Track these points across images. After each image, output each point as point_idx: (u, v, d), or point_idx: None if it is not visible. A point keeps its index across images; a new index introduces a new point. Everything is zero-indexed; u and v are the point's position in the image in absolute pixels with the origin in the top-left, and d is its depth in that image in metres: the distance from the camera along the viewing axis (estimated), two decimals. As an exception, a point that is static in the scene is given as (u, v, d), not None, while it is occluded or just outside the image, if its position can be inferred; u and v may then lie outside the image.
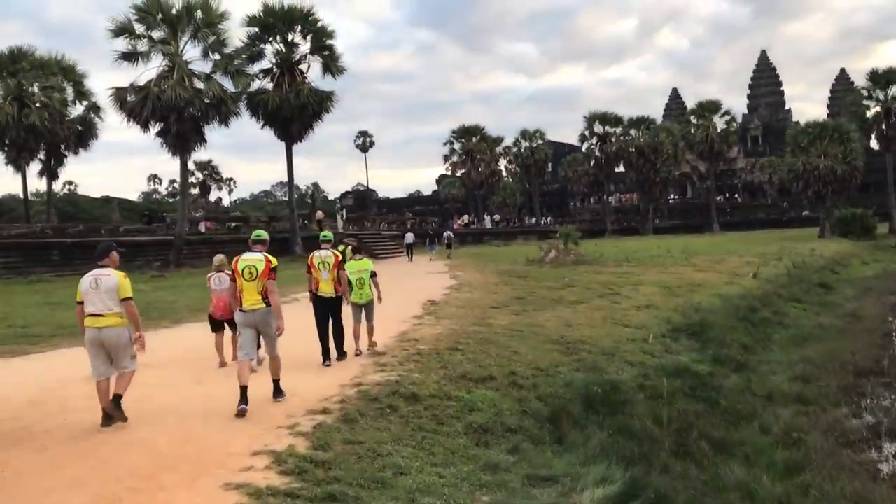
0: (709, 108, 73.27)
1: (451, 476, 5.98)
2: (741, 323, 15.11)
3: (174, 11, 31.24)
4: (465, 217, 72.61)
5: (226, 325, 10.09)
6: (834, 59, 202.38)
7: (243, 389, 7.42)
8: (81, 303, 7.07)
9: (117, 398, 6.98)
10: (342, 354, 10.02)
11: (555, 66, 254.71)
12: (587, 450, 6.80)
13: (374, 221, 47.71)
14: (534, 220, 77.66)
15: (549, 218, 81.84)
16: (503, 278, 22.40)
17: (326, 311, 9.91)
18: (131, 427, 6.85)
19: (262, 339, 8.02)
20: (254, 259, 7.77)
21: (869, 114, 57.35)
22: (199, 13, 31.53)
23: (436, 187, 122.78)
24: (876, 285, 26.51)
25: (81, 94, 41.74)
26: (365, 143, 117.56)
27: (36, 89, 38.86)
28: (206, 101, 31.85)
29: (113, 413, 6.93)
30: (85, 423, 7.06)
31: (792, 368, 11.47)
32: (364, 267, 10.66)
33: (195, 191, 76.94)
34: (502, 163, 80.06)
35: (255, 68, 36.81)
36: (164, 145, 32.52)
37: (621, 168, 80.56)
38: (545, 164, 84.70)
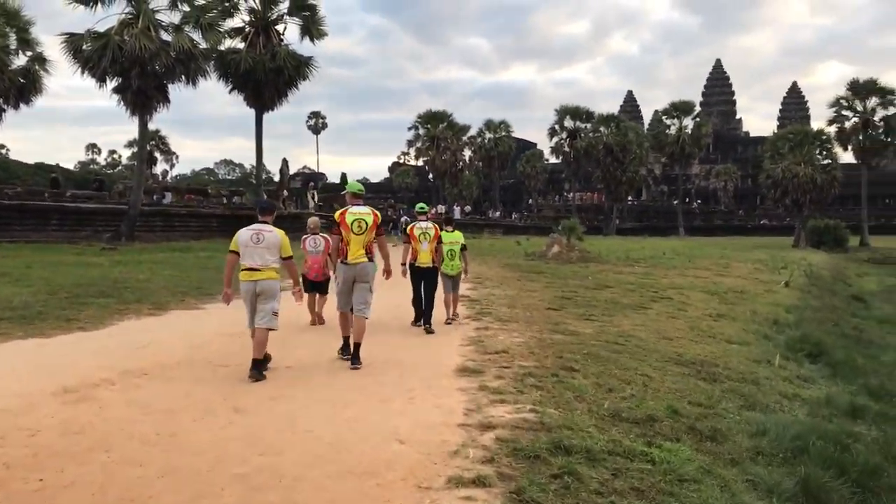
0: (682, 109, 71.85)
1: None
2: (843, 341, 12.77)
3: (143, -48, 27.66)
4: (440, 207, 69.80)
5: (318, 287, 10.39)
6: (778, 75, 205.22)
7: (346, 339, 7.71)
8: (235, 252, 7.08)
9: (256, 363, 6.97)
10: (429, 325, 9.91)
11: (507, 63, 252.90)
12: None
13: (343, 205, 44.48)
14: (497, 213, 75.20)
15: (517, 213, 79.64)
16: (517, 273, 19.71)
17: (422, 280, 10.13)
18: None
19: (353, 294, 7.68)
20: (363, 213, 7.69)
21: (847, 125, 56.40)
22: (171, -44, 28.00)
23: (386, 175, 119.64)
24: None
25: (25, 42, 37.28)
26: (317, 124, 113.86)
27: (-28, 33, 34.42)
28: (173, 55, 28.27)
29: (257, 376, 6.86)
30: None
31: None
32: (456, 239, 10.67)
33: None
34: (467, 153, 77.25)
35: (226, 26, 33.31)
36: (122, 103, 28.77)
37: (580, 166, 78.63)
38: (508, 157, 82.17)
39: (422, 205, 10.95)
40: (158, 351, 8.06)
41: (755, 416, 6.87)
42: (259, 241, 6.97)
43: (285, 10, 33.76)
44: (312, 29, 33.28)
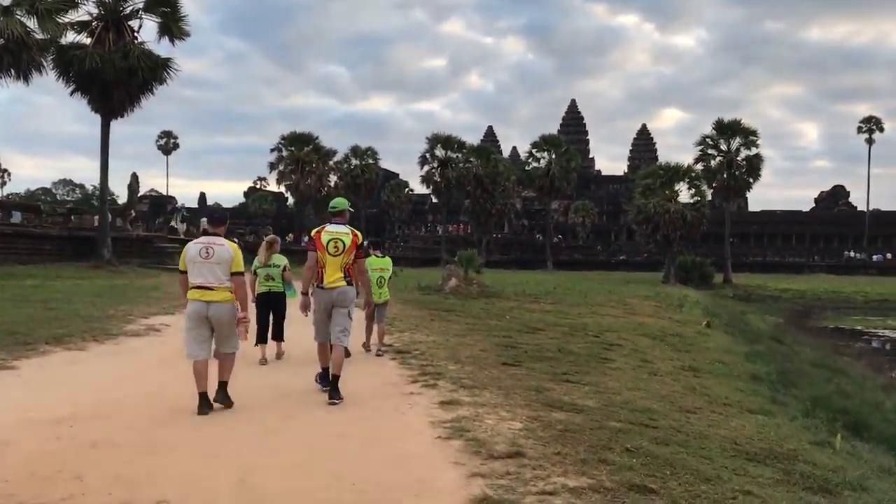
0: (552, 143, 71.68)
1: None
2: (856, 403, 10.63)
3: (-37, -84, 22.98)
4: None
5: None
6: (624, 118, 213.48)
7: (325, 369, 7.02)
8: (185, 272, 6.27)
9: (223, 385, 6.41)
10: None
11: (366, 93, 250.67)
12: None
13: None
14: (365, 243, 71.85)
15: (387, 244, 76.80)
16: (425, 311, 16.77)
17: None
18: None
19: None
20: (340, 232, 6.88)
21: (713, 163, 57.51)
22: (0, -75, 23.43)
23: (242, 200, 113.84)
24: (804, 340, 23.84)
25: None
26: (168, 144, 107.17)
27: None
28: (0, 41, 23.60)
29: (223, 401, 6.34)
30: None
31: None
32: (386, 266, 10.08)
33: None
34: (333, 178, 73.66)
35: (70, 17, 28.65)
36: (-69, 96, 23.73)
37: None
38: (375, 185, 79.38)
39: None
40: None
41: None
42: (209, 256, 6.17)
43: (141, 5, 29.50)
44: (173, 27, 29.16)
